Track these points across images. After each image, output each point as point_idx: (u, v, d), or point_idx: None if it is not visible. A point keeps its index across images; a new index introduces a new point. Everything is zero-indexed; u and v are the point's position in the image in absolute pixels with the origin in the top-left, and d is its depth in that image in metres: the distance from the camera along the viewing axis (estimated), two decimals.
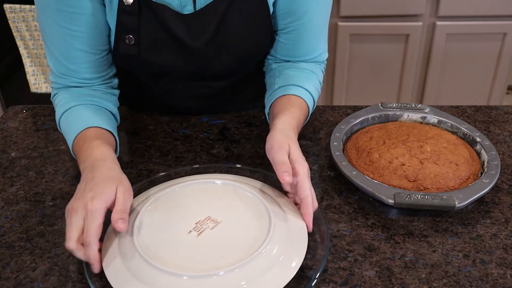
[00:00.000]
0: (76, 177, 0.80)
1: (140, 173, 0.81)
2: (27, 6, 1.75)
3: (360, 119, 0.89)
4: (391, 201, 0.69)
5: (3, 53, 1.96)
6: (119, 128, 0.85)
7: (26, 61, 1.89)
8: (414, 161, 0.76)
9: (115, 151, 0.78)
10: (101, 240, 0.60)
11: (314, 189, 0.76)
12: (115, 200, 0.62)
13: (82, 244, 0.59)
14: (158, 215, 0.66)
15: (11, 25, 1.80)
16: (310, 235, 0.64)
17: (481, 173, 0.76)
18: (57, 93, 0.84)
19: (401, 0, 1.86)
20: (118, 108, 0.88)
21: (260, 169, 0.78)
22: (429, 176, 0.74)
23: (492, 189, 0.73)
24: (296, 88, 0.83)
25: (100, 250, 0.59)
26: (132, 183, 0.77)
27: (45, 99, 1.97)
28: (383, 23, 1.92)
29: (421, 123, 0.89)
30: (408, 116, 0.90)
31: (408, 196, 0.69)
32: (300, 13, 0.83)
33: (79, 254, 0.58)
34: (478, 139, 0.82)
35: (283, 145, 0.67)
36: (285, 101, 0.82)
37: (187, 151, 0.86)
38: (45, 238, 0.68)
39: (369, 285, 0.60)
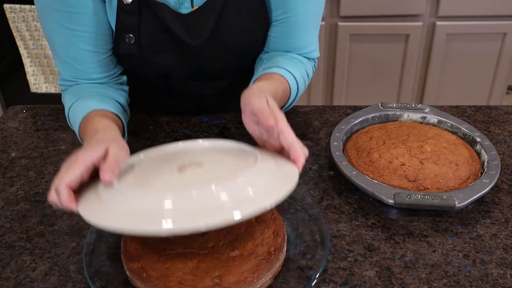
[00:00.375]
0: None
1: None
2: (27, 6, 1.75)
3: (360, 119, 0.89)
4: (391, 201, 0.69)
5: (3, 53, 1.95)
6: None
7: (26, 61, 1.89)
8: (414, 161, 0.76)
9: (123, 135, 0.77)
10: None
11: (314, 189, 0.77)
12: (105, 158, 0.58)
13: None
14: (141, 167, 0.62)
15: (11, 25, 1.80)
16: (310, 235, 0.64)
17: (481, 173, 0.76)
18: (65, 89, 0.85)
19: (401, 0, 1.86)
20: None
21: None
22: (429, 176, 0.74)
23: (492, 189, 0.73)
24: (279, 69, 0.82)
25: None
26: None
27: (45, 99, 1.97)
28: (383, 23, 1.92)
29: (421, 123, 0.89)
30: (408, 116, 0.90)
31: (408, 196, 0.69)
32: (291, 5, 0.83)
33: (54, 200, 0.56)
34: (478, 139, 0.82)
35: (261, 95, 0.64)
36: (265, 76, 0.80)
37: None
38: (45, 238, 0.68)
39: (369, 285, 0.60)
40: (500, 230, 0.68)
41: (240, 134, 0.91)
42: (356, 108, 0.96)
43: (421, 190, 0.73)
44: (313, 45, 0.90)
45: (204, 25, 0.81)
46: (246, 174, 0.54)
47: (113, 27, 0.80)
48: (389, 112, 0.90)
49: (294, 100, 0.86)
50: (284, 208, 0.70)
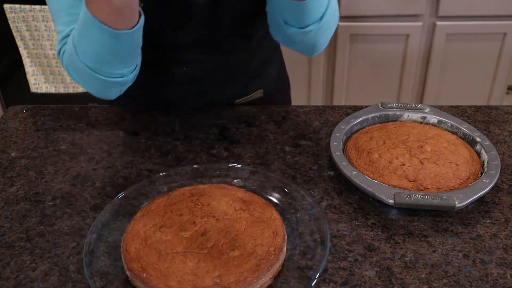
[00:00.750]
0: (76, 177, 0.80)
1: (140, 173, 0.81)
2: (27, 6, 1.75)
3: (360, 119, 0.89)
4: (391, 201, 0.69)
5: (3, 53, 1.96)
6: (119, 128, 0.85)
7: (26, 61, 1.89)
8: (414, 161, 0.76)
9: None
10: None
11: (314, 189, 0.77)
12: None
13: None
14: None
15: (11, 25, 1.80)
16: (310, 235, 0.64)
17: (481, 173, 0.76)
18: (64, 43, 0.82)
19: (401, 0, 1.86)
20: (120, 108, 0.87)
21: (260, 169, 0.78)
22: (429, 176, 0.74)
23: (492, 189, 0.73)
24: None
25: None
26: (132, 183, 0.78)
27: (45, 99, 1.97)
28: (383, 23, 1.92)
29: (421, 123, 0.89)
30: (408, 116, 0.90)
31: (408, 196, 0.69)
32: None
33: None
34: (478, 139, 0.82)
35: None
36: None
37: (187, 151, 0.86)
38: (45, 238, 0.69)
39: (369, 285, 0.60)
40: (500, 230, 0.69)
41: (240, 134, 0.91)
42: (356, 108, 0.96)
43: (421, 190, 0.73)
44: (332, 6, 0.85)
45: None
46: None
47: None
48: (389, 112, 0.90)
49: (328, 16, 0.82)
50: (284, 208, 0.70)
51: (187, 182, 0.76)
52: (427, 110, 0.90)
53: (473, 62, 1.99)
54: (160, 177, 0.76)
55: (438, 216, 0.71)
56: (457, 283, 0.60)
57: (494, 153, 0.79)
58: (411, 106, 0.91)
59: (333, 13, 0.84)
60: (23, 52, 1.87)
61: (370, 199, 0.74)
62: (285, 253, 0.63)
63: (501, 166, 0.77)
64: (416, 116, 0.90)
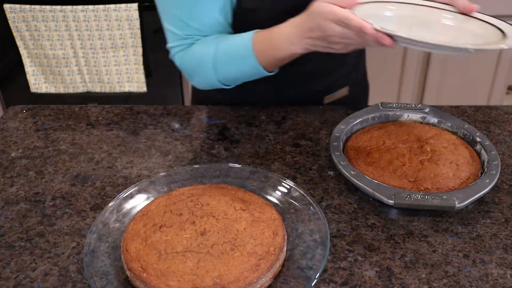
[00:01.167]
0: (76, 177, 0.80)
1: (140, 173, 0.81)
2: (27, 6, 1.75)
3: (360, 119, 0.89)
4: (391, 201, 0.69)
5: (3, 53, 1.96)
6: (119, 128, 0.85)
7: (26, 61, 1.89)
8: (414, 161, 0.76)
9: None
10: None
11: (314, 189, 0.77)
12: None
13: None
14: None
15: (11, 25, 1.80)
16: (310, 235, 0.64)
17: (481, 173, 0.76)
18: (181, 50, 0.89)
19: None
20: (120, 108, 0.87)
21: (260, 169, 0.78)
22: (429, 176, 0.74)
23: (492, 189, 0.73)
24: None
25: None
26: (132, 183, 0.78)
27: (45, 99, 1.98)
28: None
29: (421, 123, 0.89)
30: (408, 116, 0.90)
31: (408, 196, 0.69)
32: None
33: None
34: (478, 139, 0.82)
35: None
36: None
37: (187, 151, 0.86)
38: (45, 238, 0.69)
39: (369, 285, 0.60)
40: (500, 230, 0.69)
41: (240, 134, 0.91)
42: (356, 108, 0.96)
43: (421, 190, 0.73)
44: None
45: None
46: None
47: None
48: (389, 112, 0.90)
49: None
50: (284, 208, 0.70)
51: (187, 182, 0.76)
52: (427, 110, 0.90)
53: (473, 62, 1.99)
54: (160, 177, 0.76)
55: (438, 216, 0.71)
56: (457, 283, 0.60)
57: (494, 153, 0.79)
58: (411, 106, 0.91)
59: None
60: (23, 52, 1.87)
61: (370, 199, 0.74)
62: (285, 253, 0.63)
63: (501, 166, 0.77)
64: (416, 116, 0.90)
